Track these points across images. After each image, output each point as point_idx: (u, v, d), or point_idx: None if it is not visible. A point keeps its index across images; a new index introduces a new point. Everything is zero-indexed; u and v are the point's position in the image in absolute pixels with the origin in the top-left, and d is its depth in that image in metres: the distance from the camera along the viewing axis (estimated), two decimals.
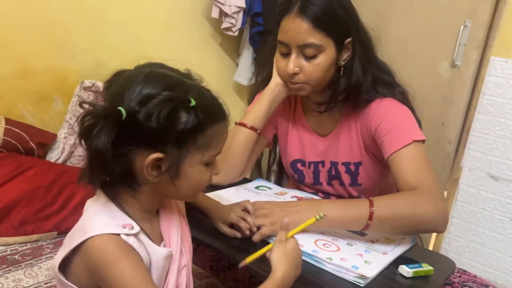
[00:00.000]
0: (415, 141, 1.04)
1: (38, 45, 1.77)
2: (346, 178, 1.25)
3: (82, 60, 1.92)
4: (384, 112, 1.11)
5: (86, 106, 0.67)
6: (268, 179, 1.46)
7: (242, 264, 0.82)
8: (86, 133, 0.65)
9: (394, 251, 0.99)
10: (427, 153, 1.07)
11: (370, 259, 0.93)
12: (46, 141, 1.77)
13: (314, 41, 1.05)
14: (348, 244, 1.00)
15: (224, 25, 2.22)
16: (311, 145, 1.27)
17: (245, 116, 1.22)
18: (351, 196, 1.28)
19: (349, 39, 1.09)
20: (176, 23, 2.22)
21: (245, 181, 1.33)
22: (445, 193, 2.27)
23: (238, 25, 2.22)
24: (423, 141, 1.06)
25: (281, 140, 1.34)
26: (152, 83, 0.68)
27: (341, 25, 1.08)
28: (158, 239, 0.78)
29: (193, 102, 0.68)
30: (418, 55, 2.24)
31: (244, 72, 2.33)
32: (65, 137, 1.82)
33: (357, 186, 1.25)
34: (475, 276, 1.06)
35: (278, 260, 0.76)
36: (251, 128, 1.20)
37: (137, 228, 0.71)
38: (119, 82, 0.71)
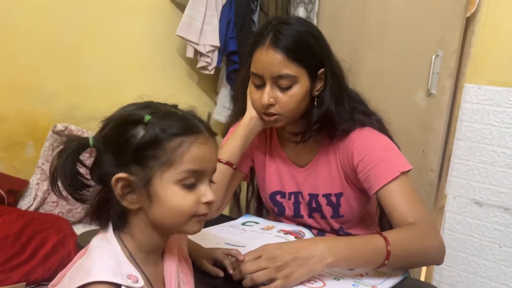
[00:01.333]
0: (402, 173, 1.03)
1: (7, 90, 1.73)
2: (327, 210, 1.21)
3: (55, 104, 1.89)
4: (367, 145, 1.09)
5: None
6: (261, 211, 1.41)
7: None
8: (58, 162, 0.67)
9: (384, 284, 0.94)
10: (411, 181, 1.06)
11: None
12: (17, 188, 1.70)
13: (289, 72, 1.04)
14: (335, 278, 0.95)
15: (200, 64, 2.22)
16: (290, 176, 1.24)
17: (220, 151, 1.19)
18: (332, 229, 1.24)
19: (322, 70, 1.09)
20: (152, 64, 2.21)
21: (228, 218, 1.28)
22: None
23: (214, 64, 2.23)
24: (409, 170, 1.05)
25: (259, 172, 1.31)
26: (119, 111, 0.69)
27: (314, 55, 1.08)
28: (161, 285, 0.74)
29: (147, 118, 0.66)
30: (394, 86, 2.26)
31: (223, 109, 2.32)
32: (37, 183, 1.76)
33: (339, 217, 1.21)
34: None
35: None
36: (227, 163, 1.17)
37: (141, 283, 0.66)
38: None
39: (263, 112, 1.10)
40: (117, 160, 0.66)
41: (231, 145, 1.17)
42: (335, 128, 1.11)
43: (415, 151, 2.19)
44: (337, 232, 1.24)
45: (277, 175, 1.26)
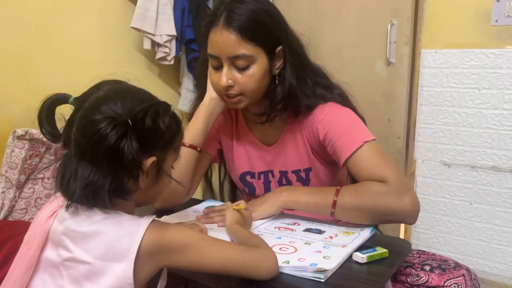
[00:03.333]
0: (365, 142, 1.04)
1: None
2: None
3: (12, 109, 1.83)
4: (330, 119, 1.10)
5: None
6: (221, 196, 1.40)
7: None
8: (115, 144, 0.70)
9: (354, 243, 0.95)
10: None
11: (329, 254, 0.89)
12: None
13: (244, 52, 1.03)
14: (306, 243, 0.96)
15: (158, 55, 2.19)
16: (259, 156, 1.24)
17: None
18: None
19: (280, 47, 1.08)
20: (109, 61, 2.17)
21: (196, 202, 1.27)
22: None
23: (173, 54, 2.20)
24: (373, 140, 1.06)
25: (227, 154, 1.30)
26: (138, 96, 0.76)
27: (270, 33, 1.07)
28: None
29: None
30: (354, 59, 2.29)
31: (187, 99, 2.30)
32: (3, 192, 1.70)
33: None
34: (433, 254, 1.04)
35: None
36: (190, 146, 1.16)
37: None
38: (98, 104, 0.73)
39: (224, 93, 1.10)
40: (148, 145, 0.73)
41: (193, 128, 1.16)
42: (299, 105, 1.11)
43: (380, 120, 2.22)
44: None
45: (246, 156, 1.26)
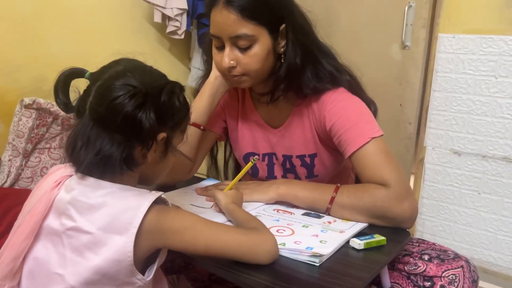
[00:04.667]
0: (373, 138, 1.02)
1: None
2: (301, 171, 1.20)
3: (21, 78, 1.83)
4: (338, 109, 1.07)
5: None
6: (225, 174, 1.40)
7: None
8: (133, 113, 0.72)
9: (352, 229, 0.94)
10: (389, 135, 1.05)
11: (326, 238, 0.88)
12: None
13: (245, 31, 1.00)
14: (303, 226, 0.95)
15: (169, 29, 2.16)
16: (264, 137, 1.22)
17: None
18: None
19: (283, 26, 1.05)
20: (120, 32, 2.15)
21: (198, 180, 1.27)
22: (412, 176, 2.25)
23: (183, 28, 2.16)
24: (381, 136, 1.03)
25: (232, 134, 1.29)
26: (155, 74, 0.80)
27: (272, 11, 1.03)
28: None
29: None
30: (369, 41, 2.24)
31: (197, 75, 2.27)
32: (9, 160, 1.72)
33: (313, 177, 1.20)
34: (433, 244, 1.03)
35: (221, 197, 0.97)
36: (194, 124, 1.15)
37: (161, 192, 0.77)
38: (119, 75, 0.75)
39: (227, 74, 1.08)
40: (160, 120, 0.75)
41: (198, 106, 1.15)
42: (304, 86, 1.08)
43: (392, 105, 2.18)
44: None
45: (250, 136, 1.24)
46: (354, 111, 1.08)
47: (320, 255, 0.79)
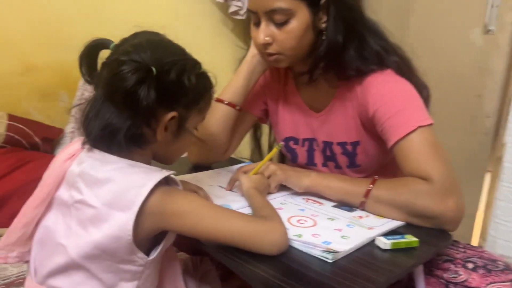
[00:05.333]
0: (420, 126, 0.90)
1: (40, 42, 1.77)
2: (342, 160, 1.11)
3: None
4: (384, 93, 0.97)
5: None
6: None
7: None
8: (132, 89, 0.69)
9: (383, 226, 0.85)
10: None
11: (350, 234, 0.80)
12: (52, 136, 1.76)
13: (281, 5, 0.93)
14: (329, 218, 0.87)
15: (231, 8, 2.13)
16: (305, 121, 1.14)
17: (222, 91, 1.13)
18: None
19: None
20: (183, 11, 2.16)
21: (237, 162, 1.24)
22: (488, 175, 2.04)
23: (245, 8, 2.12)
24: (430, 125, 0.92)
25: (273, 117, 1.23)
26: (170, 49, 0.77)
27: None
28: None
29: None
30: (446, 24, 2.03)
31: None
32: (72, 132, 1.81)
33: (355, 167, 1.11)
34: (483, 251, 0.89)
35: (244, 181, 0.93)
36: (229, 104, 1.11)
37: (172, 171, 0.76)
38: (129, 49, 0.74)
39: (263, 52, 1.02)
40: (170, 99, 0.74)
41: (234, 85, 1.12)
42: (347, 66, 0.99)
43: (468, 95, 1.97)
44: None
45: (291, 120, 1.17)
46: (401, 96, 0.97)
47: (334, 252, 0.71)
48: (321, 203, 0.96)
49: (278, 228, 0.74)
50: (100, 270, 0.72)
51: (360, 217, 0.89)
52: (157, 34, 0.80)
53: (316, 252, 0.73)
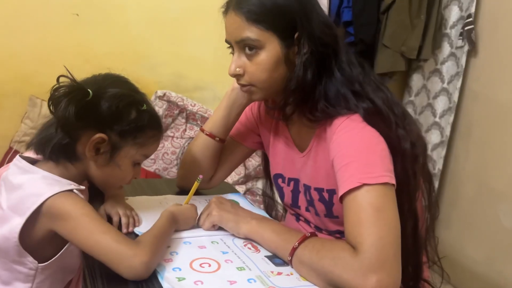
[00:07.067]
0: (365, 184, 0.79)
1: (119, 58, 1.98)
2: (320, 208, 1.01)
3: (161, 72, 2.08)
4: (342, 141, 0.88)
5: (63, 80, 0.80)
6: (272, 190, 1.29)
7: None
8: (56, 100, 0.77)
9: None
10: None
11: None
12: None
13: (250, 35, 0.90)
14: (238, 267, 0.81)
15: None
16: (291, 160, 1.08)
17: (207, 121, 1.15)
18: (327, 230, 1.04)
19: (297, 33, 0.91)
20: None
21: (231, 191, 1.23)
22: None
23: None
24: (382, 184, 0.80)
25: (266, 149, 1.19)
26: (118, 84, 0.86)
27: (284, 17, 0.90)
28: None
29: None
30: None
31: None
32: None
33: (333, 218, 1.00)
34: None
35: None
36: (209, 135, 1.12)
37: (82, 187, 0.83)
38: (88, 80, 0.84)
39: (238, 83, 1.00)
40: (103, 123, 0.82)
41: (214, 117, 1.13)
42: (314, 107, 0.92)
43: None
44: (333, 236, 1.04)
45: (280, 157, 1.12)
46: (356, 146, 0.85)
47: None
48: (258, 251, 0.89)
49: (142, 256, 0.74)
50: None
51: (280, 273, 0.81)
52: (121, 76, 0.89)
53: None
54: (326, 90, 0.91)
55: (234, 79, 1.05)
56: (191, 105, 2.06)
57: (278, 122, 1.12)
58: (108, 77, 0.87)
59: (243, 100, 1.08)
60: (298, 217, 1.13)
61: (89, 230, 0.76)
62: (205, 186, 1.20)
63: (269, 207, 1.32)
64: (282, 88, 0.95)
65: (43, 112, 1.91)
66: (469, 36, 2.11)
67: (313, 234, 0.86)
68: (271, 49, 0.91)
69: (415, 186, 0.91)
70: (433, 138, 2.30)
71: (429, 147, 2.29)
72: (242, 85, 0.98)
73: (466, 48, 2.17)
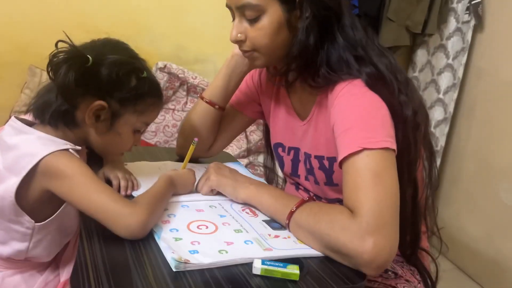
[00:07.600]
0: (366, 149, 0.78)
1: (119, 29, 1.95)
2: (320, 176, 1.01)
3: (162, 45, 2.05)
4: (342, 106, 0.87)
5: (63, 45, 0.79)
6: (273, 163, 1.28)
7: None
8: (56, 66, 0.77)
9: (290, 251, 0.76)
10: None
11: (233, 250, 0.74)
12: None
13: (250, 0, 0.88)
14: (235, 230, 0.81)
15: None
16: (292, 128, 1.07)
17: (206, 88, 1.13)
18: (327, 199, 1.04)
19: None
20: None
21: (230, 159, 1.22)
22: None
23: None
24: (383, 149, 0.79)
25: (267, 119, 1.17)
26: (117, 50, 0.84)
27: None
28: None
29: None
30: None
31: None
32: None
33: (333, 186, 1.00)
34: None
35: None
36: (209, 102, 1.12)
37: (78, 147, 0.83)
38: (86, 46, 0.84)
39: (240, 49, 0.98)
40: (103, 90, 0.81)
41: (213, 84, 1.12)
42: (316, 72, 0.91)
43: None
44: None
45: (280, 125, 1.11)
46: (358, 111, 0.84)
47: (179, 262, 0.66)
48: (256, 215, 0.89)
49: (138, 215, 0.74)
50: None
51: (276, 236, 0.81)
52: (120, 41, 0.88)
53: (167, 256, 0.69)
54: (328, 55, 0.90)
55: (234, 46, 1.04)
56: (192, 77, 2.04)
57: (279, 91, 1.10)
58: (107, 43, 0.86)
59: (243, 67, 1.07)
60: (297, 186, 1.12)
61: (85, 189, 0.76)
62: (204, 155, 1.19)
63: (269, 180, 1.32)
64: (284, 54, 0.94)
65: (43, 82, 1.89)
66: (476, 11, 2.07)
67: (311, 199, 0.86)
68: (272, 14, 0.89)
69: (415, 154, 0.90)
70: (436, 114, 2.28)
71: (432, 123, 2.27)
72: (244, 51, 0.96)
73: (472, 23, 2.13)
